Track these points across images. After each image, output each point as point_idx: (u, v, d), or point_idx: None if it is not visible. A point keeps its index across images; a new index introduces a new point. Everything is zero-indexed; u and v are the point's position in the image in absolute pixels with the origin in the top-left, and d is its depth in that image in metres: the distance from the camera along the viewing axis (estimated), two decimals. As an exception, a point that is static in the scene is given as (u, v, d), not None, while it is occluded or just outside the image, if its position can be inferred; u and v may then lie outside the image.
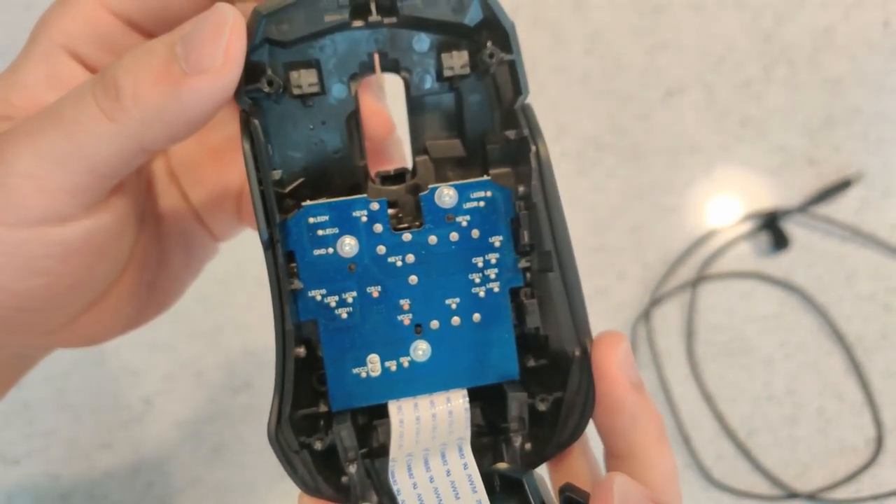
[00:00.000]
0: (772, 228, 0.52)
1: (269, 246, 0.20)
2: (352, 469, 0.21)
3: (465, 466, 0.21)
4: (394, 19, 0.21)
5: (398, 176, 0.23)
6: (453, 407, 0.21)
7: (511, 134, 0.21)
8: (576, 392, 0.21)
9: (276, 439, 0.21)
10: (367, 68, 0.22)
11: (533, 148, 0.20)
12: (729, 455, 0.49)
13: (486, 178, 0.22)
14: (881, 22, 0.56)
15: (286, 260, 0.21)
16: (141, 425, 0.48)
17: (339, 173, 0.23)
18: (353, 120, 0.22)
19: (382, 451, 0.22)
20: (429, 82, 0.22)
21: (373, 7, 0.20)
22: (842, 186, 0.52)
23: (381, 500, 0.21)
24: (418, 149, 0.23)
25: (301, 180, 0.22)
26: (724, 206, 0.54)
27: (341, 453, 0.21)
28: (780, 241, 0.52)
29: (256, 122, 0.20)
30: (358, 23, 0.21)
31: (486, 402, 0.22)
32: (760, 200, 0.53)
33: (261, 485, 0.47)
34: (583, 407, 0.21)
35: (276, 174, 0.21)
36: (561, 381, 0.21)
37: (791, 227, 0.53)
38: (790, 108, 0.55)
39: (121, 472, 0.46)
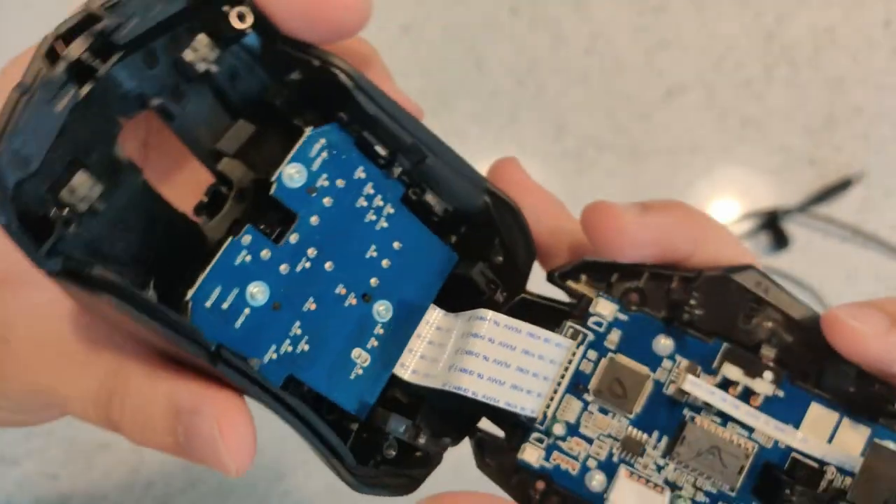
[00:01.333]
0: (772, 228, 0.52)
1: (215, 361, 0.19)
2: (421, 441, 0.22)
3: (496, 323, 0.21)
4: (109, 63, 0.18)
5: (214, 199, 0.21)
6: (435, 320, 0.22)
7: (296, 75, 0.20)
8: (506, 222, 0.23)
9: (364, 484, 0.21)
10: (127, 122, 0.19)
11: (334, 70, 0.20)
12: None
13: (307, 131, 0.20)
14: (882, 21, 0.56)
15: (221, 350, 0.20)
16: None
17: (176, 242, 0.21)
18: (145, 186, 0.20)
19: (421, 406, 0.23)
20: (183, 91, 0.20)
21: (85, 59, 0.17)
22: (842, 186, 0.52)
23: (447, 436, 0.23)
24: (213, 157, 0.21)
25: (153, 280, 0.20)
26: (724, 205, 0.54)
27: (408, 436, 0.22)
28: (780, 241, 0.52)
29: (101, 273, 0.17)
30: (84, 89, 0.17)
31: (454, 299, 0.23)
32: (760, 200, 0.53)
33: (261, 485, 0.47)
34: (519, 227, 0.23)
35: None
36: (492, 230, 0.23)
37: (791, 227, 0.53)
38: (791, 108, 0.54)
39: (120, 472, 0.46)
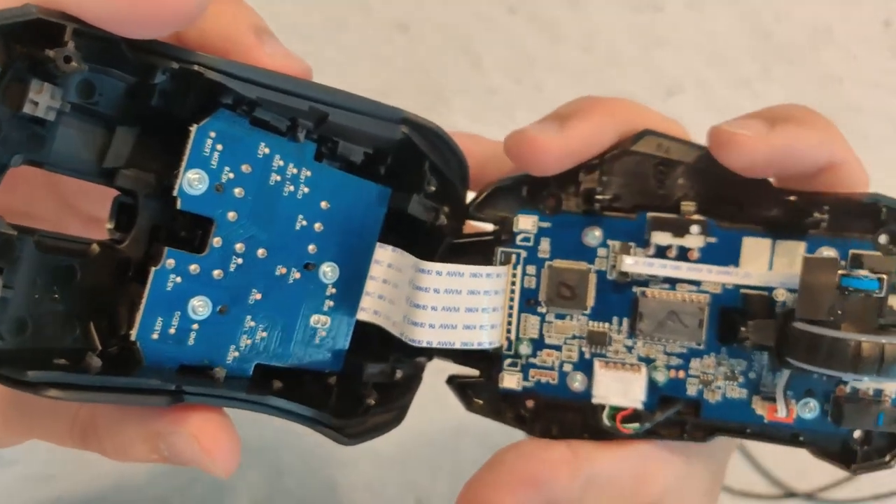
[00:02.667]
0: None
1: (178, 400, 0.19)
2: (398, 375, 0.23)
3: (438, 273, 0.22)
4: None
5: (124, 212, 0.20)
6: (386, 258, 0.23)
7: (160, 77, 0.19)
8: (431, 144, 0.22)
9: (356, 437, 0.22)
10: None
11: (197, 69, 0.18)
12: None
13: (193, 130, 0.19)
14: (881, 20, 0.55)
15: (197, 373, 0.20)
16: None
17: (103, 277, 0.20)
18: (42, 245, 0.19)
19: (390, 346, 0.23)
20: (41, 135, 0.18)
21: None
22: (841, 185, 0.52)
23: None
24: (106, 176, 0.20)
25: (93, 326, 0.19)
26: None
27: (385, 378, 0.23)
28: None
29: (35, 376, 0.17)
30: None
31: (401, 233, 0.23)
32: (759, 199, 0.53)
33: (261, 483, 0.46)
34: (446, 145, 0.23)
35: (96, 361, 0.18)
36: (419, 157, 0.22)
37: (790, 226, 0.53)
38: (789, 107, 0.54)
39: (116, 472, 0.46)
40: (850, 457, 0.23)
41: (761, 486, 0.48)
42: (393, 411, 0.24)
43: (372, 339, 0.23)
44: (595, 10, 0.56)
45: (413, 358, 0.24)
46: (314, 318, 0.22)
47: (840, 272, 0.21)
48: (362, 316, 0.23)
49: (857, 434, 0.23)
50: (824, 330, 0.20)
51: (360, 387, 0.23)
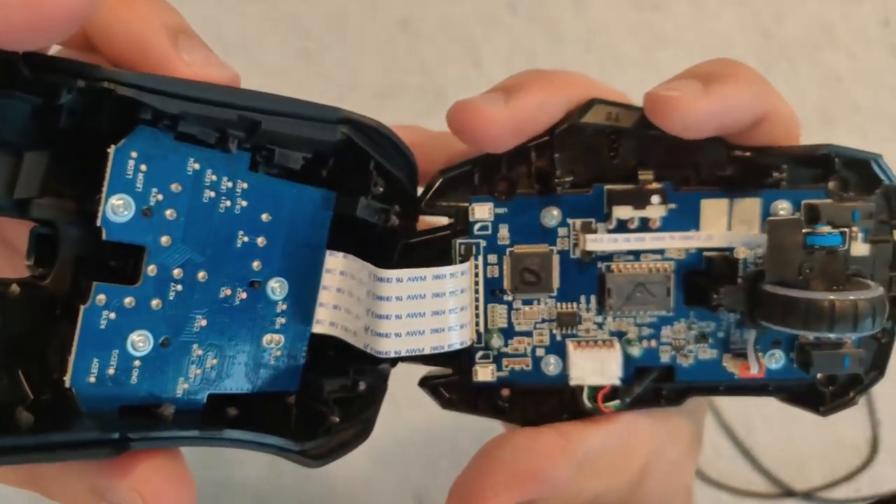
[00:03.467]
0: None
1: (124, 450, 0.17)
2: (361, 387, 0.22)
3: (399, 280, 0.21)
4: None
5: (43, 244, 0.18)
6: (338, 266, 0.22)
7: (67, 97, 0.17)
8: (374, 142, 0.21)
9: (322, 458, 0.21)
10: None
11: (107, 86, 0.17)
12: (726, 453, 0.48)
13: (111, 152, 0.17)
14: (880, 19, 0.55)
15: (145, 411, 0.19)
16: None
17: (27, 321, 0.18)
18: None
19: (361, 358, 0.22)
20: None
21: None
22: (841, 184, 0.52)
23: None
24: (20, 208, 0.18)
25: (21, 374, 0.18)
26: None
27: (347, 392, 0.22)
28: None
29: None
30: None
31: (352, 238, 0.22)
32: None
33: (259, 483, 0.46)
34: (389, 142, 0.21)
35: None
36: (363, 157, 0.21)
37: (790, 225, 0.53)
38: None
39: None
40: (818, 399, 0.24)
41: (761, 485, 0.48)
42: (358, 425, 0.22)
43: (329, 352, 0.22)
44: (596, 10, 0.56)
45: (375, 366, 0.23)
46: (266, 337, 0.21)
47: (804, 231, 0.21)
48: (318, 329, 0.22)
49: (820, 377, 0.24)
50: (797, 292, 0.20)
51: (320, 405, 0.21)
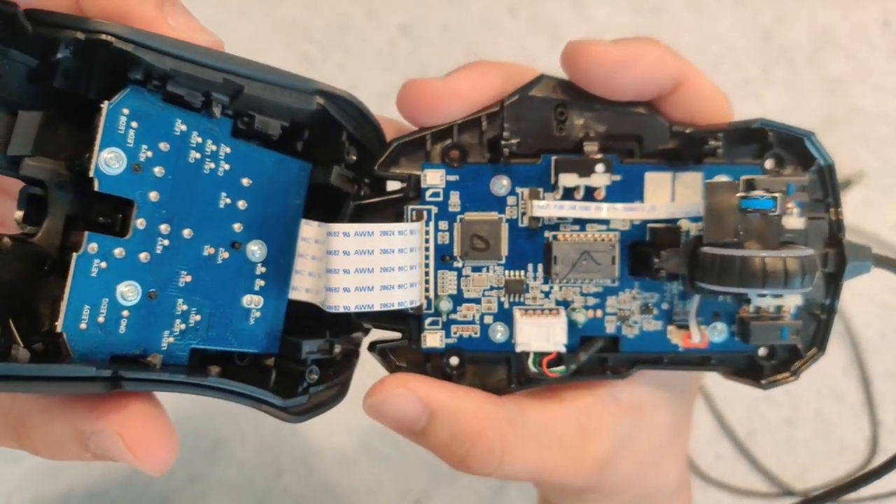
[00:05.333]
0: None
1: (116, 387, 0.18)
2: (337, 350, 0.23)
3: (346, 234, 0.21)
4: None
5: (33, 203, 0.19)
6: (313, 234, 0.22)
7: (64, 52, 0.17)
8: (347, 114, 0.22)
9: (301, 415, 0.22)
10: None
11: (105, 38, 0.17)
12: (727, 455, 0.49)
13: (104, 107, 0.18)
14: (881, 21, 0.55)
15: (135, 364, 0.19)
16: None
17: (17, 272, 0.19)
18: None
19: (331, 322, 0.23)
20: None
21: None
22: (842, 186, 0.52)
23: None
24: (11, 165, 0.18)
25: (12, 324, 0.18)
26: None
27: (324, 354, 0.22)
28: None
29: None
30: None
31: (327, 208, 0.23)
32: (760, 200, 0.53)
33: (260, 481, 0.47)
34: (361, 115, 0.22)
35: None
36: (336, 128, 0.22)
37: (790, 227, 0.53)
38: (789, 108, 0.54)
39: (120, 469, 0.46)
40: (758, 373, 0.24)
41: (760, 485, 0.48)
42: (335, 387, 0.24)
43: (306, 317, 0.23)
44: (596, 12, 0.56)
45: (349, 333, 0.24)
46: (246, 298, 0.22)
47: (739, 194, 0.22)
48: (294, 295, 0.22)
49: (762, 352, 0.24)
50: (732, 251, 0.21)
51: (298, 365, 0.22)
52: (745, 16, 0.56)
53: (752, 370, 0.24)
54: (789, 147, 0.23)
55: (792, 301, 0.23)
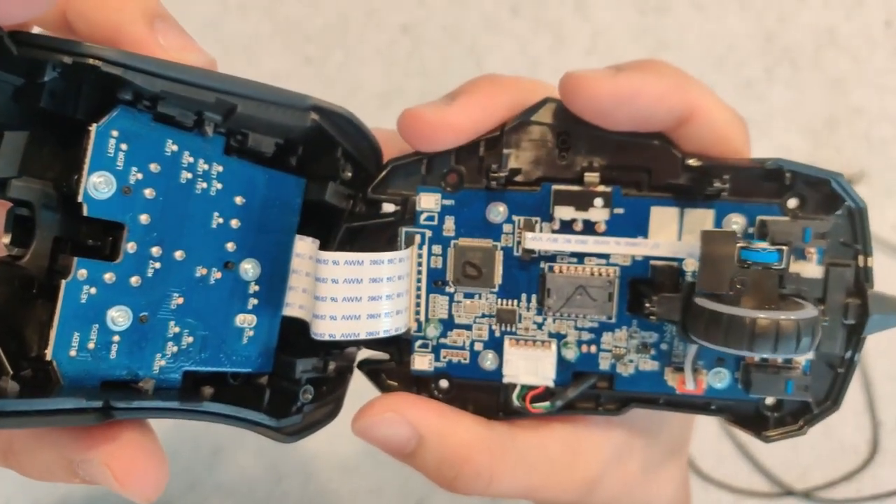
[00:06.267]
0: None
1: (108, 417, 0.18)
2: (331, 367, 0.23)
3: (335, 262, 0.21)
4: None
5: (20, 225, 0.19)
6: (307, 251, 0.22)
7: (52, 75, 0.17)
8: (343, 130, 0.22)
9: (295, 435, 0.22)
10: None
11: (93, 62, 0.17)
12: (729, 454, 0.49)
13: (92, 130, 0.18)
14: (883, 21, 0.55)
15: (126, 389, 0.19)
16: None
17: (6, 297, 0.18)
18: None
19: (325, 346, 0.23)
20: None
21: None
22: (843, 186, 0.52)
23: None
24: None
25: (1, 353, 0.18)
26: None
27: (318, 372, 0.22)
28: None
29: None
30: None
31: (321, 224, 0.23)
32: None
33: (260, 487, 0.46)
34: (357, 130, 0.22)
35: None
36: (331, 144, 0.22)
37: (792, 228, 0.53)
38: (792, 108, 0.54)
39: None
40: (762, 424, 0.23)
41: (761, 484, 0.48)
42: (329, 405, 0.23)
43: (300, 334, 0.23)
44: (599, 12, 0.56)
45: (343, 349, 0.24)
46: (240, 317, 0.21)
47: (739, 245, 0.20)
48: (289, 312, 0.22)
49: (769, 401, 0.23)
50: (721, 306, 0.20)
51: (292, 384, 0.22)
52: (748, 16, 0.56)
53: (755, 420, 0.23)
54: (814, 185, 0.21)
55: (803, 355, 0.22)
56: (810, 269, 0.21)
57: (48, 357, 0.18)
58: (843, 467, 0.48)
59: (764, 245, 0.20)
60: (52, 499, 0.45)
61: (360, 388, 0.24)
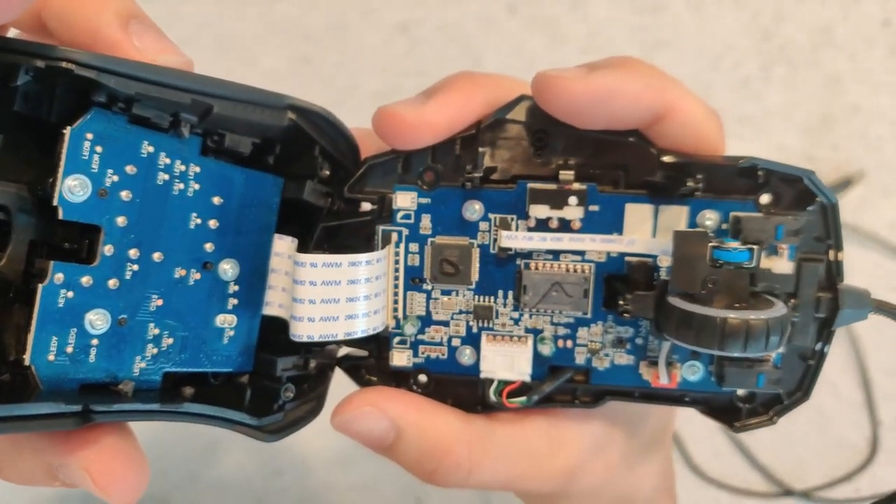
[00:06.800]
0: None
1: (87, 421, 0.18)
2: (312, 365, 0.23)
3: (313, 265, 0.21)
4: None
5: None
6: (285, 249, 0.22)
7: (24, 78, 0.17)
8: (320, 129, 0.22)
9: (276, 433, 0.22)
10: None
11: (66, 65, 0.17)
12: (725, 452, 0.48)
13: (66, 133, 0.18)
14: (880, 20, 0.55)
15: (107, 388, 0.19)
16: (136, 422, 0.48)
17: None
18: None
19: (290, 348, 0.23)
20: None
21: None
22: (841, 185, 0.52)
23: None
24: None
25: None
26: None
27: (299, 370, 0.22)
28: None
29: None
30: None
31: (300, 222, 0.23)
32: (759, 199, 0.53)
33: (259, 481, 0.47)
34: (334, 129, 0.22)
35: None
36: (309, 143, 0.22)
37: (789, 226, 0.53)
38: (789, 107, 0.54)
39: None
40: (735, 415, 0.23)
41: (759, 484, 0.48)
42: (310, 402, 0.23)
43: (280, 332, 0.23)
44: (595, 11, 0.56)
45: (323, 347, 0.24)
46: (219, 317, 0.21)
47: (711, 245, 0.20)
48: (268, 311, 0.22)
49: (741, 393, 0.23)
50: (693, 306, 0.20)
51: (274, 382, 0.22)
52: (744, 15, 0.56)
53: (728, 411, 0.23)
54: (787, 182, 0.22)
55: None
56: (782, 264, 0.22)
57: (26, 362, 0.17)
58: (842, 467, 0.48)
59: (735, 245, 0.21)
60: (51, 497, 0.46)
61: (346, 384, 0.24)
